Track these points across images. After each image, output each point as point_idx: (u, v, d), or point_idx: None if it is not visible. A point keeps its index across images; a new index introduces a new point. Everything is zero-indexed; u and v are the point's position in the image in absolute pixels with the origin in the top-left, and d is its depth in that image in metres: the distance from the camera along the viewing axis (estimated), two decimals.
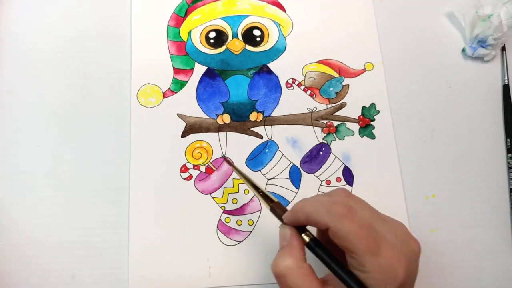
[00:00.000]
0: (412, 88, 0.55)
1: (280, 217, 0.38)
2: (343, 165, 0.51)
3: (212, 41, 0.55)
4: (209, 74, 0.54)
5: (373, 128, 0.53)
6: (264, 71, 0.54)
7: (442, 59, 0.56)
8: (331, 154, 0.51)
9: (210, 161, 0.51)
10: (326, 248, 0.35)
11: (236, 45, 0.55)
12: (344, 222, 0.33)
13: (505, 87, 0.55)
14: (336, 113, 0.53)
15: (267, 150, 0.51)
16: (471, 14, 0.55)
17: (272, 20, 0.57)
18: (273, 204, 0.39)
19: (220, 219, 0.49)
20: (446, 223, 0.50)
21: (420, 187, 0.51)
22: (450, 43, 0.57)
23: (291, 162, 0.51)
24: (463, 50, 0.56)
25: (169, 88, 0.53)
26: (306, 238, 0.36)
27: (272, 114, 0.53)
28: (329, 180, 0.51)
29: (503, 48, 0.56)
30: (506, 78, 0.55)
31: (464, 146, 0.53)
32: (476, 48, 0.55)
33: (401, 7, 0.58)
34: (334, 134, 0.52)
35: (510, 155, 0.52)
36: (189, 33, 0.56)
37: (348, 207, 0.34)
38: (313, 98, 0.53)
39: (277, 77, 0.54)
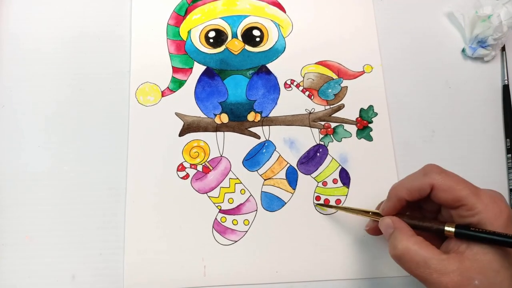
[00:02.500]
0: (411, 88, 0.55)
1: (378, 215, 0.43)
2: (340, 167, 0.51)
3: (211, 40, 0.55)
4: (208, 74, 0.54)
5: (371, 130, 0.52)
6: (263, 72, 0.54)
7: (442, 59, 0.56)
8: (328, 155, 0.51)
9: (207, 160, 0.51)
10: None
11: (235, 45, 0.55)
12: (443, 176, 0.38)
13: (505, 87, 0.55)
14: (334, 115, 0.53)
15: (264, 151, 0.51)
16: (471, 14, 0.54)
17: (272, 20, 0.56)
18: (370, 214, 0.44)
19: (216, 218, 0.49)
20: None
21: None
22: (450, 43, 0.57)
23: (288, 162, 0.51)
24: (463, 50, 0.56)
25: (167, 87, 0.53)
26: (450, 228, 0.37)
27: (270, 115, 0.53)
28: (325, 181, 0.51)
29: (503, 49, 0.56)
30: (506, 78, 0.55)
31: (464, 146, 0.53)
32: (476, 48, 0.55)
33: (400, 7, 0.58)
34: (331, 135, 0.52)
35: (510, 155, 0.52)
36: (189, 32, 0.56)
37: (437, 165, 0.39)
38: (311, 99, 0.53)
39: (275, 77, 0.54)
